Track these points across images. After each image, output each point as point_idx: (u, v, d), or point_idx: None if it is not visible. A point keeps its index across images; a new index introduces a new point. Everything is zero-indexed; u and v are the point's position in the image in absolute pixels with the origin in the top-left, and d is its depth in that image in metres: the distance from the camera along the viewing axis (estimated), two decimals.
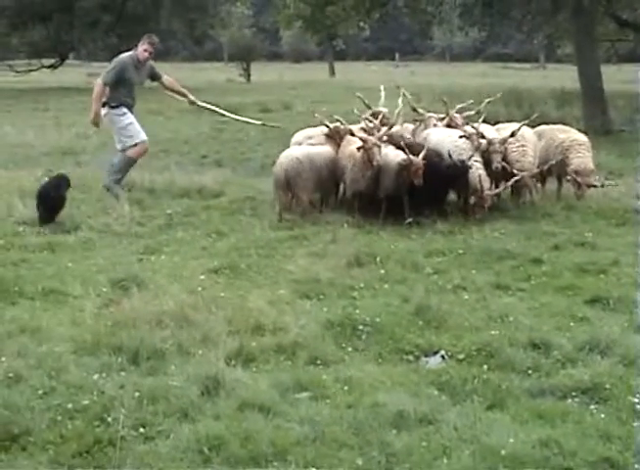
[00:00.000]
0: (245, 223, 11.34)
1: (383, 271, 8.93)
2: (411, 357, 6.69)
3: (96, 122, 12.67)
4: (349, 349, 6.83)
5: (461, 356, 6.59)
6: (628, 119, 22.40)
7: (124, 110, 12.62)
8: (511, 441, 5.18)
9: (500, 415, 5.62)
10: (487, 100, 13.10)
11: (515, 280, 8.67)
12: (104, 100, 12.55)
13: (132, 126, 12.66)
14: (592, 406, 5.72)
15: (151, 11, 45.41)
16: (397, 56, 75.63)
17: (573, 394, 5.90)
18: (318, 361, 6.54)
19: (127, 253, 9.96)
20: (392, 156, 11.28)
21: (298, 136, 12.93)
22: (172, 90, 13.46)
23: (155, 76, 13.14)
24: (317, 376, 6.22)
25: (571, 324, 7.28)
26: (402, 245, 10.00)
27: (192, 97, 13.30)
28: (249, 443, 5.20)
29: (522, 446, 5.12)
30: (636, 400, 5.73)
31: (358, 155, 11.09)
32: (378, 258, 9.32)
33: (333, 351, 6.75)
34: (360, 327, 7.17)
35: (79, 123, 21.93)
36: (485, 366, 6.38)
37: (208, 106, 13.40)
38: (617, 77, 33.66)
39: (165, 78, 13.22)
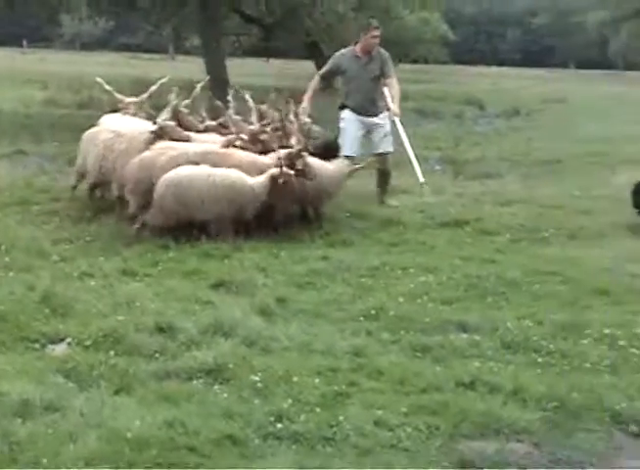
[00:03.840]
0: None
1: (7, 259, 8.68)
2: (37, 345, 6.59)
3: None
4: None
5: (88, 343, 6.55)
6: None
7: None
8: (137, 423, 5.23)
9: (127, 399, 5.67)
10: (199, 85, 12.73)
11: (142, 266, 8.72)
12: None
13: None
14: (216, 387, 5.90)
15: None
16: (25, 43, 73.40)
17: (198, 375, 6.05)
18: None
19: None
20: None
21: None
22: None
23: None
24: None
25: (197, 308, 7.43)
26: (27, 232, 9.76)
27: None
28: None
29: (147, 428, 5.20)
30: (257, 379, 5.96)
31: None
32: (2, 247, 9.05)
33: None
34: None
35: None
36: (112, 352, 6.38)
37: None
38: (242, 70, 34.67)
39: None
